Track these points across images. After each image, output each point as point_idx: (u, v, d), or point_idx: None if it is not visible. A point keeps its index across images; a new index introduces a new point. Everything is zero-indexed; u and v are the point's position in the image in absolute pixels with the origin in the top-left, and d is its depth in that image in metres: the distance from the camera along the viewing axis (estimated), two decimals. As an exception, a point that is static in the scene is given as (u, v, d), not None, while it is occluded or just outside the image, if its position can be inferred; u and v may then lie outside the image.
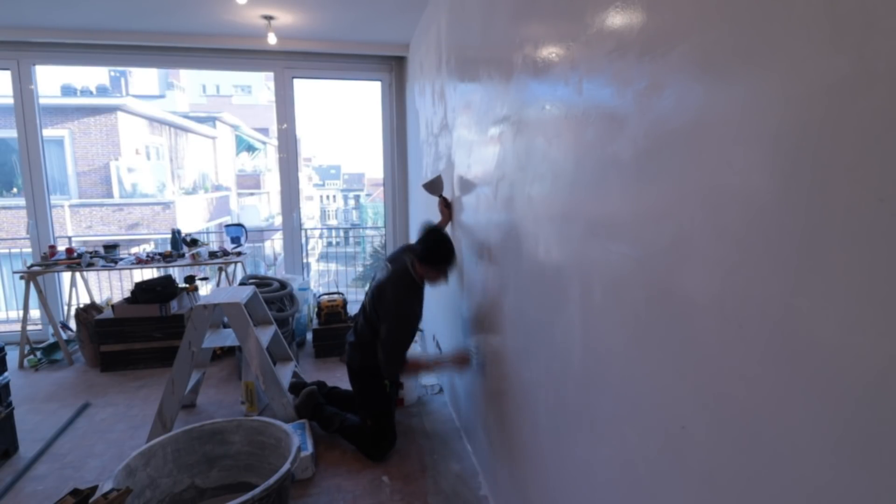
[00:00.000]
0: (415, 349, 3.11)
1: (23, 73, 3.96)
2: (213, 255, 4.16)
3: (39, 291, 3.73)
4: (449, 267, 2.43)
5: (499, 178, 1.84)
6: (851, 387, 0.57)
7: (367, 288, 2.66)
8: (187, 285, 3.95)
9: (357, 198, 30.88)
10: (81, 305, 3.88)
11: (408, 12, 3.36)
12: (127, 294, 3.77)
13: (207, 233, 10.94)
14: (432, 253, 2.35)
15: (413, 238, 4.49)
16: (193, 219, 12.92)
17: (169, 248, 4.22)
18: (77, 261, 3.78)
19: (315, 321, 3.99)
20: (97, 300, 4.27)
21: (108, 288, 6.58)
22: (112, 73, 15.88)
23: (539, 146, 1.45)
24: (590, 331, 1.20)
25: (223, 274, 4.19)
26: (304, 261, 5.00)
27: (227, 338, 2.77)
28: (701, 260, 0.81)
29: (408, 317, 2.41)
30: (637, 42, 0.96)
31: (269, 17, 3.46)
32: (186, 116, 16.69)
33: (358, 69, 4.49)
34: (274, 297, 3.49)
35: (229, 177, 18.86)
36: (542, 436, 1.52)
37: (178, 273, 4.86)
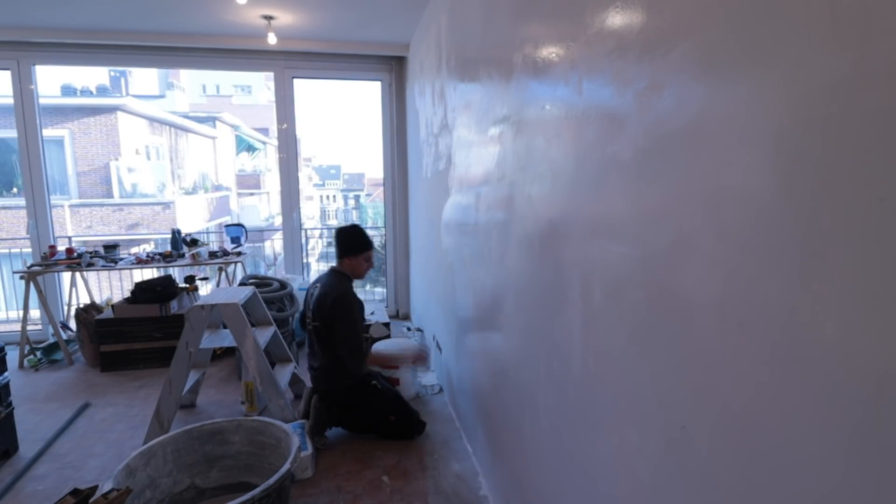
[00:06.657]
0: (407, 342, 3.11)
1: (23, 73, 3.96)
2: (213, 255, 4.16)
3: (39, 291, 3.73)
4: (370, 250, 2.73)
5: (499, 178, 1.84)
6: (855, 387, 0.57)
7: (307, 312, 2.74)
8: (187, 285, 3.95)
9: (357, 198, 30.89)
10: (81, 305, 3.88)
11: (408, 12, 3.36)
12: (127, 294, 3.77)
13: (207, 233, 10.95)
14: (354, 244, 2.68)
15: (412, 238, 4.50)
16: (193, 219, 12.92)
17: (169, 248, 4.22)
18: (77, 261, 3.78)
19: (315, 321, 3.99)
20: (97, 300, 4.27)
21: (108, 288, 6.59)
22: (112, 73, 15.86)
23: (539, 146, 1.45)
24: (590, 331, 1.20)
25: (223, 274, 4.19)
26: (304, 261, 5.01)
27: (226, 338, 2.77)
28: (701, 260, 0.81)
29: (356, 305, 2.59)
30: (637, 42, 0.96)
31: (269, 17, 3.46)
32: (186, 116, 16.68)
33: (358, 69, 4.49)
34: (274, 297, 3.49)
35: (229, 177, 18.86)
36: (542, 436, 1.52)
37: (178, 273, 4.86)
